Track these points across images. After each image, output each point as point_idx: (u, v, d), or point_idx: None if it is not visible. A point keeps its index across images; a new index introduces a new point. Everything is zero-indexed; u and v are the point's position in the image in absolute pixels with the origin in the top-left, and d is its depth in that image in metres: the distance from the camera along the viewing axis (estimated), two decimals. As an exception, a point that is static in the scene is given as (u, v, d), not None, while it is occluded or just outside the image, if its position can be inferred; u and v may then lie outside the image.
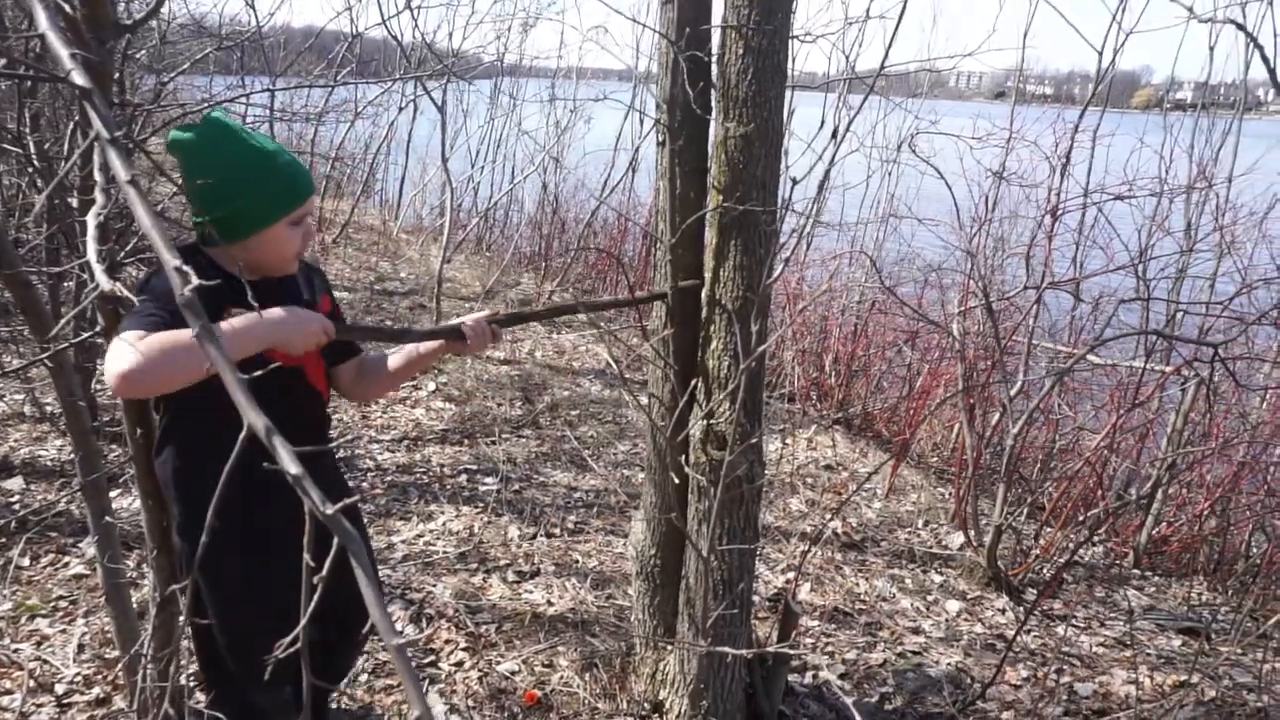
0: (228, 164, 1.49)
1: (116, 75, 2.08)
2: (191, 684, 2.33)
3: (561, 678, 2.52)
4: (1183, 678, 2.83)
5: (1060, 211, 3.50)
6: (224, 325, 1.37)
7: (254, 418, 0.81)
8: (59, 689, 2.27)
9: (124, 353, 1.27)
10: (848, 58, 5.77)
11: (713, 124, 2.03)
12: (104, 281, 1.10)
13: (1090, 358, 3.48)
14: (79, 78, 0.84)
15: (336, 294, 1.90)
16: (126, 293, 1.18)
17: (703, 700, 2.21)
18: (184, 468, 1.67)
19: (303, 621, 0.79)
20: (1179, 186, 3.85)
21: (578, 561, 3.20)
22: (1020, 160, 4.10)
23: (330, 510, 0.77)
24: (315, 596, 0.78)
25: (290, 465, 0.79)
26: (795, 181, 1.73)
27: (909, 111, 4.47)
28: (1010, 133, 4.14)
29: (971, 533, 3.53)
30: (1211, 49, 4.44)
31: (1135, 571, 3.75)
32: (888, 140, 5.66)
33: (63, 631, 2.50)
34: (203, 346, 0.80)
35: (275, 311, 1.44)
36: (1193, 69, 5.31)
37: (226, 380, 0.82)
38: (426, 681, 2.44)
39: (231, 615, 1.71)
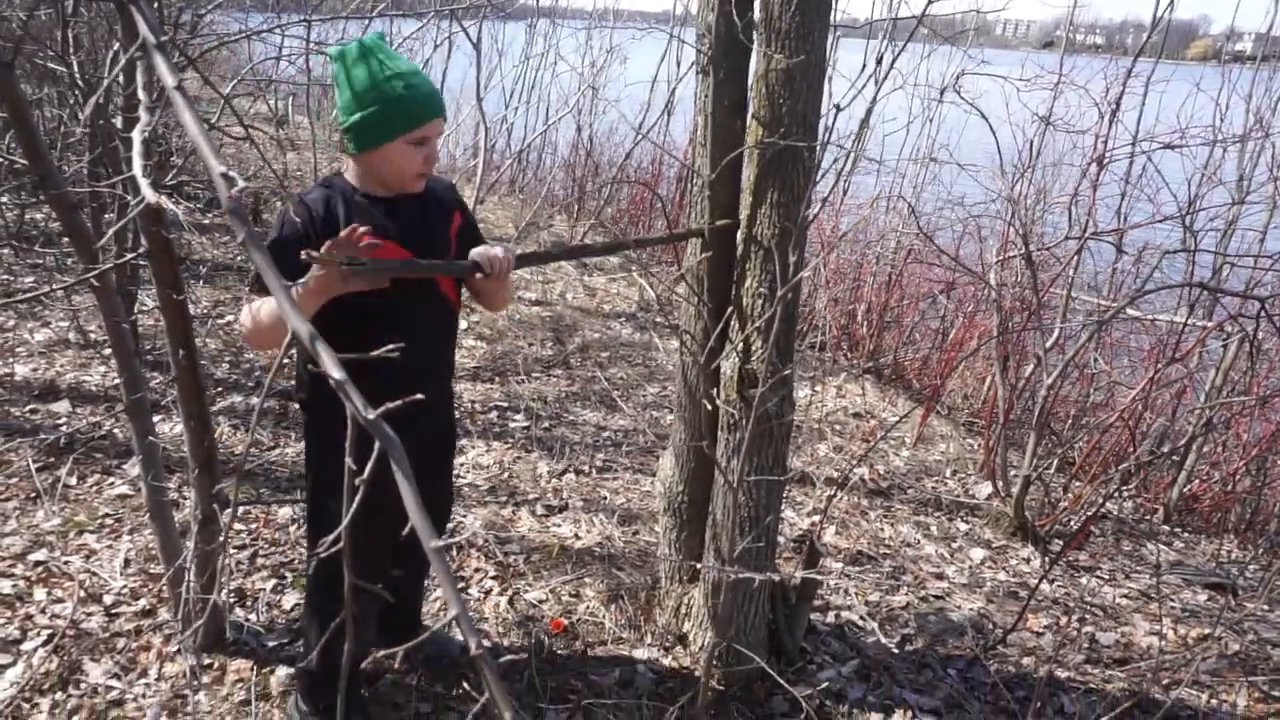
0: (362, 80, 1.60)
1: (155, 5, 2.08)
2: (231, 599, 2.42)
3: (588, 608, 2.58)
4: (1206, 631, 2.83)
5: (1107, 160, 3.41)
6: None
7: (297, 324, 0.83)
8: (107, 599, 2.37)
9: (244, 316, 1.60)
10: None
11: (754, 56, 2.00)
12: (149, 194, 1.12)
13: (1129, 311, 3.42)
14: (126, -18, 0.84)
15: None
16: (171, 206, 1.20)
17: (726, 633, 2.25)
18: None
19: (345, 520, 0.81)
20: (1233, 136, 3.72)
21: (605, 498, 3.24)
22: (1068, 106, 3.97)
23: (372, 415, 0.79)
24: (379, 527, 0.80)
25: (333, 370, 0.80)
26: (839, 108, 1.70)
27: (958, 47, 4.32)
28: (1059, 77, 4.00)
29: (999, 483, 3.52)
30: (1277, -7, 4.24)
31: (1165, 528, 3.72)
32: (931, 84, 5.51)
33: (109, 547, 2.60)
34: (248, 250, 0.81)
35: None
36: (1254, 19, 5.09)
37: (270, 284, 0.84)
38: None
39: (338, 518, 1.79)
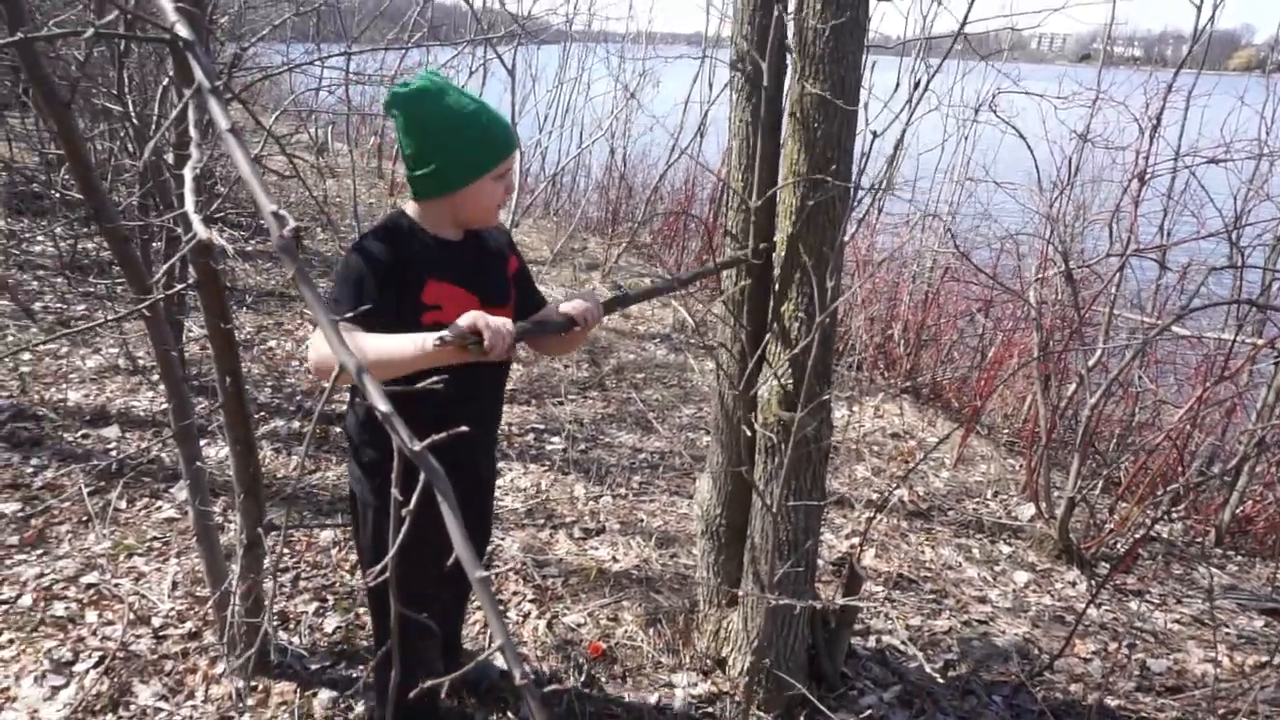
0: (439, 121, 1.54)
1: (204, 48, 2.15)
2: (275, 623, 2.45)
3: (626, 632, 2.57)
4: (1264, 658, 2.74)
5: (1149, 175, 3.36)
6: (419, 344, 1.39)
7: (345, 357, 0.84)
8: (155, 622, 2.41)
9: (321, 346, 1.40)
10: (925, 17, 5.59)
11: (788, 82, 2.01)
12: (201, 230, 1.15)
13: (1175, 328, 3.35)
14: (183, 30, 0.87)
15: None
16: (222, 242, 1.23)
17: (765, 658, 2.24)
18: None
19: (392, 551, 0.82)
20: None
21: (642, 520, 3.24)
22: (1106, 122, 3.93)
23: (417, 447, 0.80)
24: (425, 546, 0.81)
25: (380, 403, 0.82)
26: (876, 135, 1.70)
27: (994, 66, 4.29)
28: (1097, 92, 3.96)
29: (1043, 505, 3.46)
30: (1322, 2, 4.15)
31: (1216, 550, 3.62)
32: (965, 102, 5.49)
33: (157, 570, 2.65)
34: (299, 286, 0.83)
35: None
36: (1300, 25, 4.97)
37: (322, 325, 0.86)
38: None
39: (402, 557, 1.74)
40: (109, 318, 1.60)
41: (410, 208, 1.66)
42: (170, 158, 1.98)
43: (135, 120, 2.31)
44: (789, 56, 1.97)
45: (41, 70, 1.66)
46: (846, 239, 2.03)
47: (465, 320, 1.38)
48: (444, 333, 1.37)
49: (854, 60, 1.91)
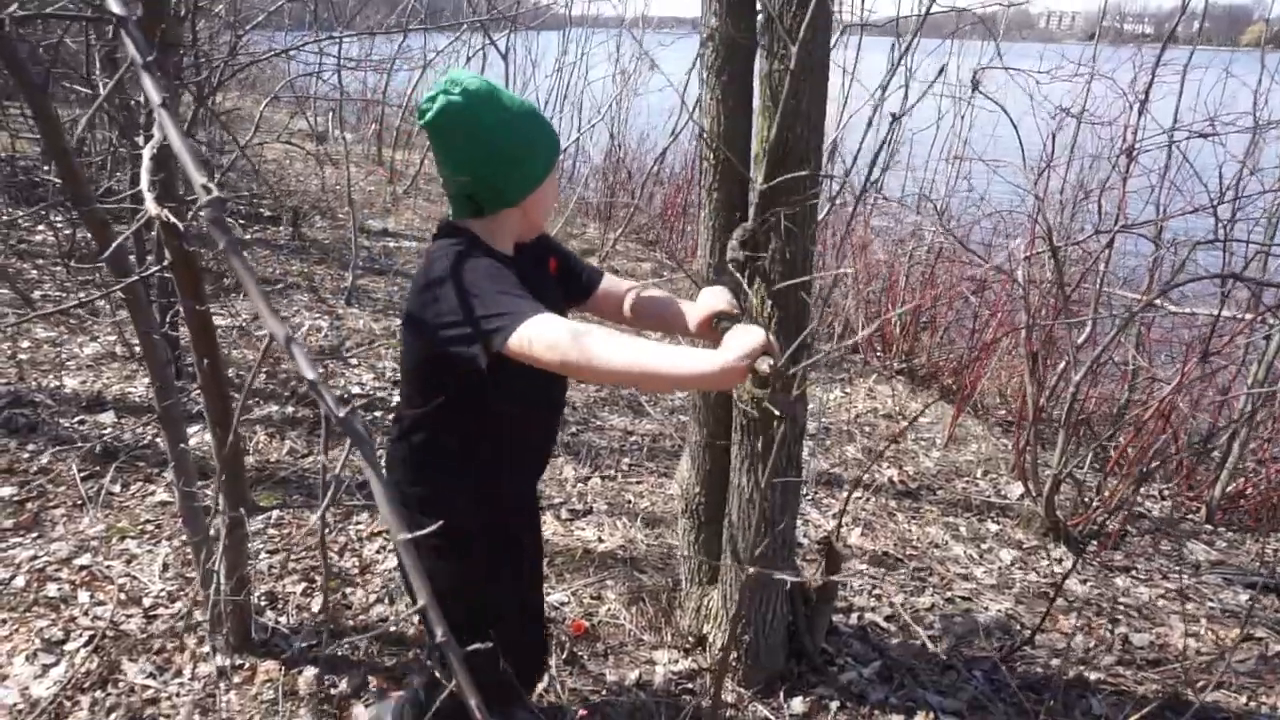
0: (506, 124, 1.42)
1: (190, 36, 2.14)
2: (263, 603, 2.49)
3: (609, 610, 2.60)
4: (1247, 632, 2.75)
5: (1136, 151, 3.33)
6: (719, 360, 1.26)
7: (275, 326, 0.86)
8: (145, 602, 2.45)
9: (598, 345, 1.24)
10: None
11: (757, 58, 2.01)
12: (152, 207, 1.17)
13: (1168, 306, 3.33)
14: (116, 6, 0.89)
15: (407, 244, 1.90)
16: (174, 219, 1.25)
17: (745, 635, 2.26)
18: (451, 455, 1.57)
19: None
20: (1270, 121, 3.62)
21: (630, 502, 3.26)
22: (1095, 99, 3.90)
23: (342, 413, 0.82)
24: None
25: (307, 371, 0.84)
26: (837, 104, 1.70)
27: (993, 40, 4.22)
28: (1090, 69, 3.93)
29: (1030, 483, 3.46)
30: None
31: (1207, 527, 3.62)
32: (960, 80, 5.44)
33: (149, 551, 2.69)
34: (229, 259, 0.85)
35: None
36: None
37: (250, 292, 0.87)
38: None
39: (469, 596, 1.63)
40: (81, 299, 1.63)
41: (470, 225, 1.50)
42: (143, 139, 1.99)
43: (108, 106, 2.32)
44: (757, 33, 1.97)
45: (15, 54, 1.68)
46: (820, 216, 2.03)
47: (757, 341, 1.28)
48: (765, 362, 1.26)
49: (822, 35, 1.91)
